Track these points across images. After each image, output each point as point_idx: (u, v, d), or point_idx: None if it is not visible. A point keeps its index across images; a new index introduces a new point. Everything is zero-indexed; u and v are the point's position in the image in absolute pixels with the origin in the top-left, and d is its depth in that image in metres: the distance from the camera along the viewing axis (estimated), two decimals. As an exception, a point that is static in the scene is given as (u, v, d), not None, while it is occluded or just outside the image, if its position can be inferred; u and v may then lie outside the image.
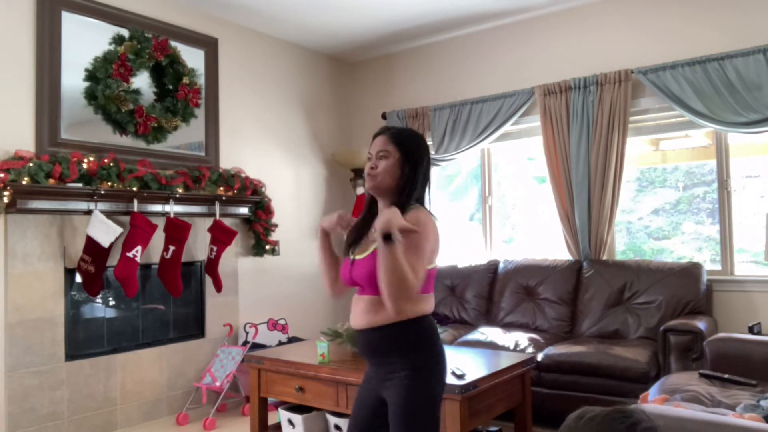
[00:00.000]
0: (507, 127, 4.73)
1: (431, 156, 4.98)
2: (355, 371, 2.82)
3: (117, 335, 3.90)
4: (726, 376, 2.76)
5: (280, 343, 4.38)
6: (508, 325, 4.24)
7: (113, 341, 3.87)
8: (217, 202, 4.25)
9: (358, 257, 1.86)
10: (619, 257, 4.44)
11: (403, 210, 1.80)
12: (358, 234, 1.92)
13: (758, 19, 3.81)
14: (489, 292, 4.55)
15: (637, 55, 4.19)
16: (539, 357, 3.59)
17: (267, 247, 4.69)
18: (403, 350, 1.79)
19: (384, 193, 1.88)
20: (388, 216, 1.68)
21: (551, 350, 3.63)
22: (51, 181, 3.39)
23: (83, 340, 3.73)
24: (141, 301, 4.05)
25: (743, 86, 3.72)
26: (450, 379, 2.56)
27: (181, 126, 4.20)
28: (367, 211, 1.95)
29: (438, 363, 1.82)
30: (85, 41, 3.75)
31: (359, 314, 1.85)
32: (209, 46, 4.50)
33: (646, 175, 4.61)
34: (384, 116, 5.35)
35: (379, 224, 1.67)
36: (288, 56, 5.20)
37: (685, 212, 4.42)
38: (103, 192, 3.59)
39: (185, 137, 4.29)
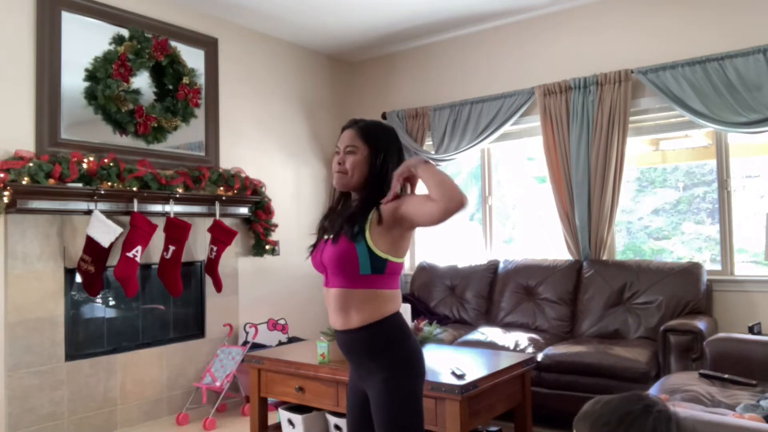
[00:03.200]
0: (507, 127, 4.73)
1: (431, 156, 4.98)
2: (355, 371, 2.82)
3: (117, 335, 3.90)
4: (726, 376, 2.76)
5: (280, 343, 4.38)
6: (508, 325, 4.24)
7: (113, 341, 3.87)
8: (217, 202, 4.25)
9: (331, 237, 1.85)
10: (619, 257, 4.44)
11: (378, 206, 1.80)
12: (331, 222, 1.91)
13: (758, 19, 3.81)
14: (489, 292, 4.55)
15: (637, 55, 4.18)
16: (539, 357, 3.59)
17: (267, 247, 4.69)
18: (376, 351, 1.79)
19: (355, 188, 1.87)
20: (409, 161, 1.77)
21: (551, 350, 3.63)
22: (51, 181, 3.39)
23: (83, 340, 3.73)
24: (141, 301, 4.05)
25: (743, 86, 3.72)
26: (450, 379, 2.56)
27: (181, 126, 4.20)
28: (340, 200, 1.96)
29: (413, 357, 1.81)
30: (85, 41, 3.75)
31: (333, 313, 1.85)
32: (209, 46, 4.50)
33: (646, 175, 4.61)
34: (384, 116, 5.35)
35: (411, 163, 1.75)
36: (288, 56, 5.20)
37: (685, 212, 4.42)
38: (103, 192, 3.59)
39: (185, 137, 4.29)
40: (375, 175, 1.84)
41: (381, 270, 1.78)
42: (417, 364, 1.82)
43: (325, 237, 1.89)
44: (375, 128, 1.88)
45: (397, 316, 1.84)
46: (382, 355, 1.79)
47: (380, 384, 1.77)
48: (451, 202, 1.63)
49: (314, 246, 1.95)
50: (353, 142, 1.84)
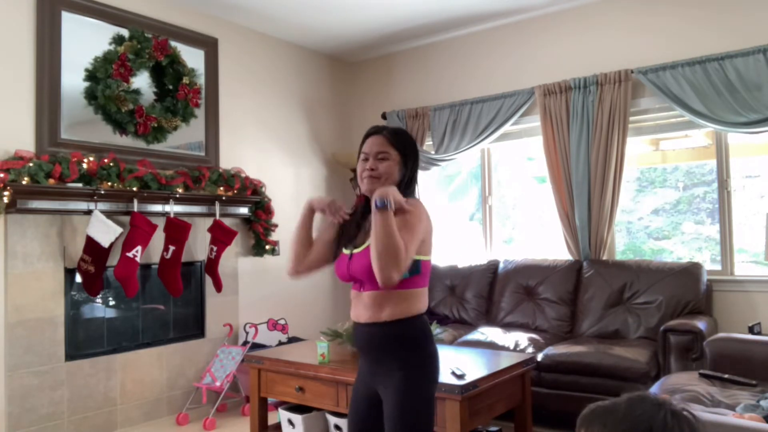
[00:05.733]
0: (507, 127, 4.73)
1: (431, 156, 4.99)
2: (355, 371, 2.80)
3: (117, 335, 3.90)
4: (726, 376, 2.76)
5: (280, 343, 4.38)
6: (508, 325, 4.24)
7: (113, 341, 3.87)
8: (217, 202, 4.25)
9: (355, 251, 1.86)
10: (619, 257, 4.44)
11: None
12: (354, 229, 1.92)
13: (758, 19, 3.81)
14: (489, 292, 4.55)
15: (637, 55, 4.18)
16: (539, 357, 3.59)
17: (267, 247, 4.69)
18: (400, 348, 1.81)
19: None
20: (386, 188, 1.74)
21: (551, 350, 3.63)
22: (51, 181, 3.39)
23: (83, 340, 3.73)
24: (141, 301, 4.04)
25: (743, 86, 3.72)
26: (450, 379, 2.56)
27: (181, 126, 4.20)
28: (363, 207, 1.96)
29: (432, 361, 1.84)
30: (85, 41, 3.75)
31: (362, 309, 1.85)
32: (209, 46, 4.50)
33: (646, 175, 4.61)
34: (384, 116, 5.35)
35: (376, 193, 1.72)
36: (288, 56, 5.20)
37: (685, 212, 4.42)
38: (103, 192, 3.59)
39: (185, 137, 4.29)
40: (405, 180, 1.89)
41: (417, 270, 1.82)
42: (435, 369, 1.85)
43: (347, 252, 1.90)
44: (402, 134, 1.94)
45: (424, 317, 1.87)
46: (405, 354, 1.80)
47: (399, 382, 1.78)
48: (382, 272, 1.68)
49: (336, 258, 1.96)
50: (384, 149, 1.89)
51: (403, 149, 1.90)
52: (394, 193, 1.73)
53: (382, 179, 1.86)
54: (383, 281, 1.67)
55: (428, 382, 1.81)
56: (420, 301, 1.85)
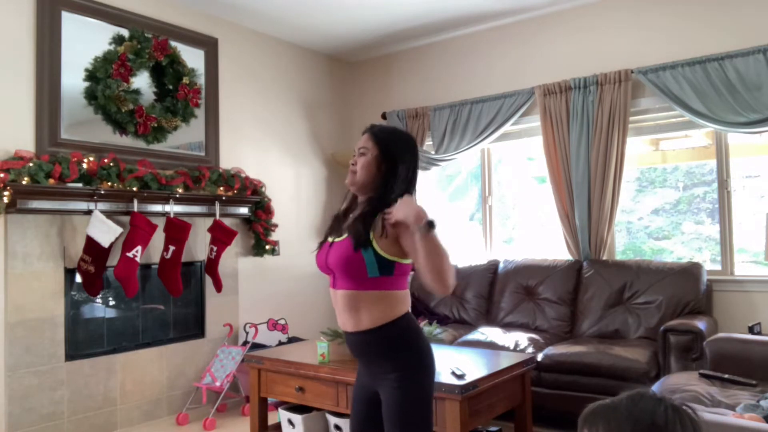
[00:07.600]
0: (507, 127, 4.72)
1: (431, 156, 4.98)
2: (355, 371, 2.80)
3: (117, 335, 3.90)
4: (726, 376, 2.76)
5: (280, 343, 4.38)
6: (508, 325, 4.24)
7: (113, 341, 3.87)
8: (217, 202, 4.25)
9: (337, 240, 1.87)
10: (619, 257, 4.44)
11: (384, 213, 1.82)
12: (338, 223, 1.94)
13: (758, 19, 3.81)
14: (489, 292, 4.55)
15: (637, 55, 4.18)
16: (539, 357, 3.59)
17: (267, 247, 4.69)
18: (390, 352, 1.80)
19: (362, 189, 1.89)
20: (413, 207, 1.70)
21: (551, 350, 3.63)
22: (51, 181, 3.39)
23: (83, 340, 3.73)
24: (141, 301, 4.04)
25: (743, 86, 3.72)
26: (450, 379, 2.56)
27: (181, 126, 4.20)
28: (349, 203, 1.98)
29: (426, 358, 1.83)
30: (85, 41, 3.75)
31: (341, 314, 1.86)
32: (209, 46, 4.50)
33: (646, 175, 4.62)
34: (384, 116, 5.35)
35: (411, 216, 1.68)
36: (288, 56, 5.20)
37: (685, 212, 4.42)
38: (103, 192, 3.59)
39: (185, 137, 4.29)
40: (383, 176, 1.86)
41: (390, 272, 1.80)
42: (429, 364, 1.84)
43: (330, 239, 1.91)
44: (388, 132, 1.92)
45: (408, 316, 1.86)
46: (395, 356, 1.80)
47: (394, 383, 1.78)
48: (438, 290, 1.72)
49: (319, 247, 1.96)
50: (365, 144, 1.89)
51: (384, 144, 1.87)
52: (421, 208, 1.70)
53: (356, 175, 1.88)
54: (450, 290, 1.73)
55: (424, 378, 1.81)
56: (400, 303, 1.82)
